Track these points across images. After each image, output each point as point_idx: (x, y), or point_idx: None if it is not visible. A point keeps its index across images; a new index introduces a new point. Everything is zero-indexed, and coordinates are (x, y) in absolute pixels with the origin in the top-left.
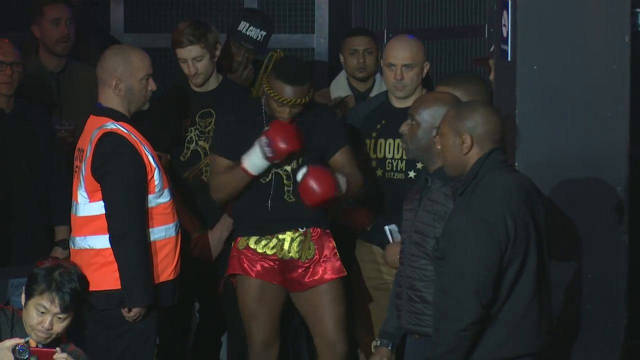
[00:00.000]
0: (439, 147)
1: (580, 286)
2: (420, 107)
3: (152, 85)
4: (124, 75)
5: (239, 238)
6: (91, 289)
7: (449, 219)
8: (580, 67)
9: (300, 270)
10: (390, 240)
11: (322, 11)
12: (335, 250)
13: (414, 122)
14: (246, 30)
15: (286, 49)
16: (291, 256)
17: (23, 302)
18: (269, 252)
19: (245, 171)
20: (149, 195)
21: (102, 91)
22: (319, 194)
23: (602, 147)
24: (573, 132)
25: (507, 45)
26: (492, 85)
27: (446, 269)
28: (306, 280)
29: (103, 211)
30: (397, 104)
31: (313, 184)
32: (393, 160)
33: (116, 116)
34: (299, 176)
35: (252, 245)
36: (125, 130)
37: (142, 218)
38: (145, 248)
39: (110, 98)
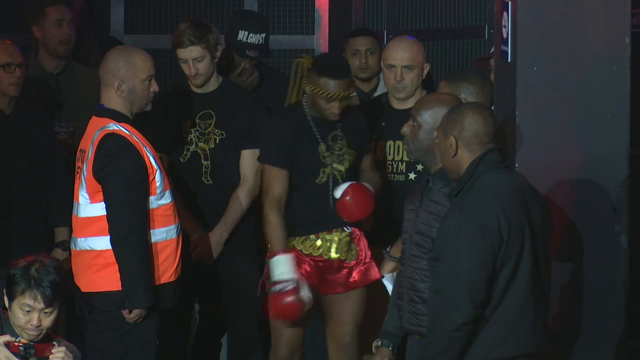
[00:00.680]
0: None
1: (580, 287)
2: (422, 108)
3: (154, 87)
4: (126, 76)
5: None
6: (92, 290)
7: (443, 219)
8: (580, 68)
9: (343, 272)
10: (389, 292)
11: (322, 12)
12: (371, 251)
13: (415, 123)
14: (247, 39)
15: (286, 50)
16: (338, 257)
17: (7, 305)
18: (314, 253)
19: (272, 256)
20: (150, 197)
21: (104, 92)
22: (357, 213)
23: (602, 148)
24: (573, 133)
25: (507, 46)
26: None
27: (440, 270)
28: (350, 281)
29: (104, 212)
30: (397, 105)
31: (352, 202)
32: (393, 162)
33: (118, 117)
34: (338, 193)
35: (298, 246)
36: (126, 132)
37: (143, 219)
38: (147, 249)
39: (112, 99)
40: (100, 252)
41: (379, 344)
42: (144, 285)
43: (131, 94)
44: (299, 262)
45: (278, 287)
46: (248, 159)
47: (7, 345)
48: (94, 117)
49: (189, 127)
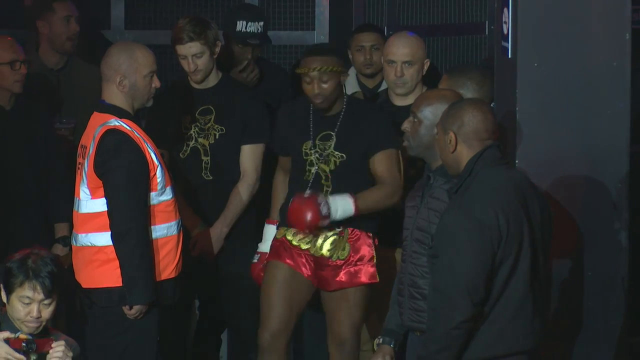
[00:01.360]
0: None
1: (580, 284)
2: (423, 104)
3: (156, 83)
4: (128, 72)
5: (280, 227)
6: (93, 286)
7: (442, 216)
8: (580, 64)
9: (329, 270)
10: None
11: (322, 8)
12: (374, 255)
13: (415, 120)
14: (246, 28)
15: (287, 46)
16: (322, 254)
17: (5, 299)
18: (303, 246)
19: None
20: (151, 193)
21: (106, 88)
22: (295, 222)
23: (603, 145)
24: (573, 130)
25: (508, 43)
26: None
27: (438, 267)
28: (335, 280)
29: (105, 208)
30: (398, 102)
31: (292, 212)
32: None
33: (119, 113)
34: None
35: (288, 237)
36: (128, 127)
37: (144, 215)
38: (147, 246)
39: (114, 95)
40: (101, 248)
41: (381, 341)
42: (144, 281)
43: (133, 90)
44: (289, 250)
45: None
46: (248, 154)
47: (7, 341)
48: (95, 112)
49: (188, 122)
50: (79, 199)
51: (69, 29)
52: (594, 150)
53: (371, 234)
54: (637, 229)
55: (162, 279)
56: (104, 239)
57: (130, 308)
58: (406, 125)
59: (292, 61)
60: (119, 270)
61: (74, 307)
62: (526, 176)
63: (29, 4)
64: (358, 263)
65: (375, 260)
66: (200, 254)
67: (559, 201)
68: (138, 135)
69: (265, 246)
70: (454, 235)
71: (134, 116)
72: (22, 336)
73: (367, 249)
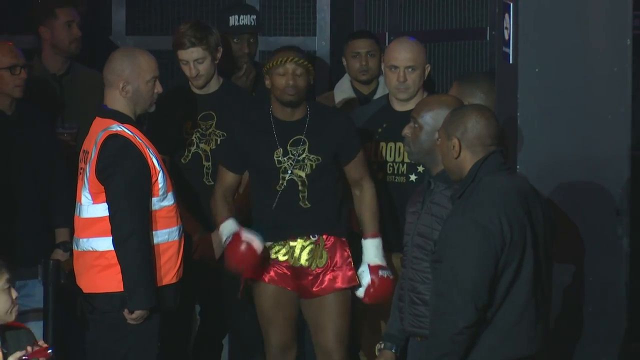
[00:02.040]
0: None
1: (581, 289)
2: (423, 110)
3: (158, 88)
4: (131, 77)
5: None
6: (94, 291)
7: (446, 222)
8: (581, 69)
9: (310, 278)
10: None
11: (323, 14)
12: (350, 259)
13: (416, 125)
14: (238, 22)
15: None
16: (301, 264)
17: None
18: (281, 258)
19: (218, 228)
20: (152, 198)
21: (108, 93)
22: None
23: (604, 150)
24: (574, 135)
25: (509, 48)
26: None
27: (442, 272)
28: (314, 288)
29: (107, 213)
30: (398, 107)
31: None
32: (394, 164)
33: (121, 118)
34: (224, 239)
35: (267, 251)
36: (130, 133)
37: (145, 221)
38: (148, 251)
39: (116, 100)
40: (103, 253)
41: (382, 346)
42: (145, 286)
43: (136, 95)
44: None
45: (225, 242)
46: None
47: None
48: (97, 118)
49: (190, 128)
50: (81, 203)
51: (71, 34)
52: (595, 156)
53: (344, 238)
54: (638, 234)
55: (163, 284)
56: (105, 244)
57: (131, 313)
58: (407, 131)
59: None
60: (120, 276)
61: (74, 312)
62: (529, 182)
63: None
64: (335, 269)
65: (352, 263)
66: (202, 259)
67: (560, 207)
68: (140, 141)
69: (229, 228)
70: (457, 241)
71: (136, 121)
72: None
73: (343, 254)
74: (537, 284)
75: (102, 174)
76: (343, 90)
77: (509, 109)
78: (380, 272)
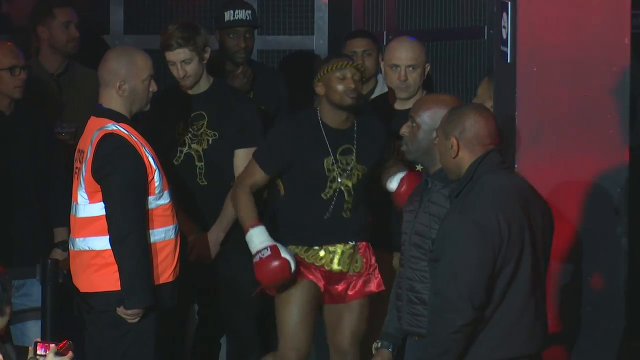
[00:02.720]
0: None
1: (580, 288)
2: (421, 109)
3: (153, 87)
4: (128, 76)
5: (287, 246)
6: (91, 290)
7: (443, 221)
8: (579, 68)
9: (344, 284)
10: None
11: (321, 13)
12: (376, 264)
13: (414, 124)
14: (234, 16)
15: (286, 51)
16: (340, 269)
17: None
18: (317, 263)
19: (246, 231)
20: (149, 197)
21: (104, 92)
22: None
23: (602, 149)
24: (573, 134)
25: (507, 47)
26: None
27: (439, 271)
28: (350, 292)
29: (103, 212)
30: (398, 105)
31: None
32: None
33: (117, 117)
34: (394, 184)
35: (301, 255)
36: (125, 132)
37: (142, 219)
38: (146, 249)
39: (112, 99)
40: (99, 252)
41: (379, 345)
42: (143, 285)
43: (132, 94)
44: (304, 266)
45: (258, 256)
46: (242, 158)
47: None
48: (92, 117)
49: (181, 129)
50: (77, 203)
51: (69, 34)
52: (593, 155)
53: (369, 244)
54: (636, 233)
55: (160, 282)
56: (101, 243)
57: (127, 310)
58: (404, 130)
59: (292, 65)
60: (117, 274)
61: (72, 312)
62: (527, 181)
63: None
64: (368, 273)
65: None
66: (198, 259)
67: (558, 206)
68: (136, 140)
69: (265, 239)
70: (455, 240)
71: (132, 120)
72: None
73: (373, 259)
74: (536, 282)
75: (98, 173)
76: None
77: (507, 108)
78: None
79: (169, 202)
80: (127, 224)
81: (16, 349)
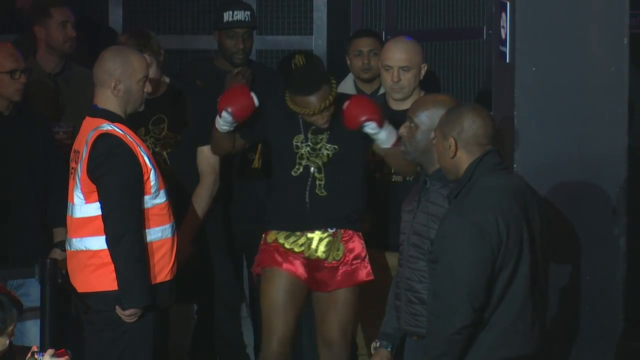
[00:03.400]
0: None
1: (578, 288)
2: (419, 109)
3: (148, 87)
4: (123, 77)
5: (269, 232)
6: (88, 290)
7: (442, 221)
8: (579, 69)
9: (326, 271)
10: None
11: (320, 13)
12: (366, 252)
13: (412, 124)
14: (233, 17)
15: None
16: (318, 256)
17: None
18: (296, 249)
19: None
20: (145, 196)
21: (99, 92)
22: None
23: (601, 149)
24: (571, 134)
25: (506, 47)
26: None
27: (438, 272)
28: (333, 281)
29: (99, 212)
30: (395, 106)
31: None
32: None
33: (112, 117)
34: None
35: (280, 241)
36: (120, 132)
37: (138, 219)
38: (142, 249)
39: (107, 99)
40: (96, 252)
41: (378, 345)
42: (140, 284)
43: (127, 94)
44: (283, 254)
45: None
46: (205, 155)
47: None
48: (87, 117)
49: (143, 134)
50: (73, 203)
51: (66, 34)
52: (592, 155)
53: (361, 234)
54: (635, 234)
55: (158, 282)
56: (98, 243)
57: (124, 310)
58: (403, 130)
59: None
60: (114, 274)
61: (69, 313)
62: (525, 181)
63: (21, 7)
64: (354, 262)
65: (368, 258)
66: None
67: (557, 206)
68: (131, 139)
69: None
70: (454, 241)
71: (127, 120)
72: None
73: (360, 248)
74: (534, 283)
75: (94, 173)
76: (346, 89)
77: (505, 108)
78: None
79: (165, 201)
80: (123, 224)
81: (18, 350)
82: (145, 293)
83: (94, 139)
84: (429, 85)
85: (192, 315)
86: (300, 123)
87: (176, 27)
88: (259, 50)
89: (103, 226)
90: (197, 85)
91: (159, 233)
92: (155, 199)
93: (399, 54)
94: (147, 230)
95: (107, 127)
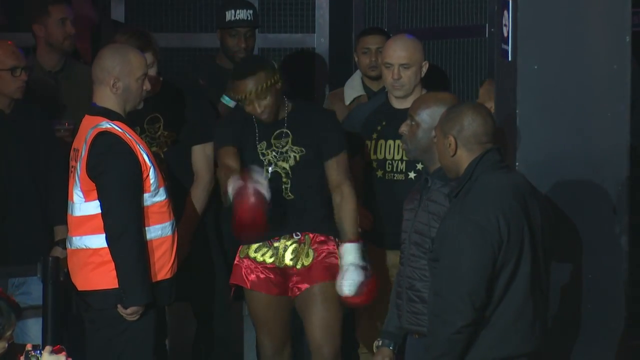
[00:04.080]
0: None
1: (580, 286)
2: (420, 108)
3: (147, 85)
4: (122, 74)
5: (241, 246)
6: (88, 288)
7: (443, 220)
8: (580, 66)
9: (295, 278)
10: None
11: (322, 11)
12: (335, 252)
13: (413, 123)
14: (235, 16)
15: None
16: (286, 264)
17: None
18: (267, 260)
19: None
20: (144, 194)
21: (98, 90)
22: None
23: (603, 147)
24: (573, 132)
25: (508, 45)
26: None
27: (440, 272)
28: (301, 285)
29: (99, 210)
30: (397, 104)
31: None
32: (393, 162)
33: (111, 115)
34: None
35: (251, 254)
36: (119, 130)
37: (138, 217)
38: (143, 247)
39: (106, 97)
40: (96, 250)
41: (380, 343)
42: (141, 282)
43: (126, 92)
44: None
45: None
46: (200, 154)
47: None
48: (86, 115)
49: (138, 133)
50: (73, 202)
51: (65, 31)
52: (594, 153)
53: (333, 237)
54: (637, 231)
55: (158, 279)
56: (98, 241)
57: (126, 308)
58: (404, 129)
59: (292, 64)
60: (114, 272)
61: (70, 311)
62: (526, 179)
63: None
64: (327, 258)
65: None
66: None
67: (559, 204)
68: (130, 137)
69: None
70: (455, 240)
71: (126, 118)
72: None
73: (329, 248)
74: (535, 281)
75: (93, 171)
76: (353, 87)
77: (507, 107)
78: (366, 274)
79: (165, 199)
80: (122, 222)
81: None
82: (147, 291)
83: (93, 137)
84: (431, 83)
85: (192, 314)
86: (257, 132)
87: (177, 25)
88: (261, 49)
89: (103, 224)
90: (201, 84)
91: (159, 231)
92: (154, 197)
93: (399, 52)
94: (147, 228)
95: (106, 125)
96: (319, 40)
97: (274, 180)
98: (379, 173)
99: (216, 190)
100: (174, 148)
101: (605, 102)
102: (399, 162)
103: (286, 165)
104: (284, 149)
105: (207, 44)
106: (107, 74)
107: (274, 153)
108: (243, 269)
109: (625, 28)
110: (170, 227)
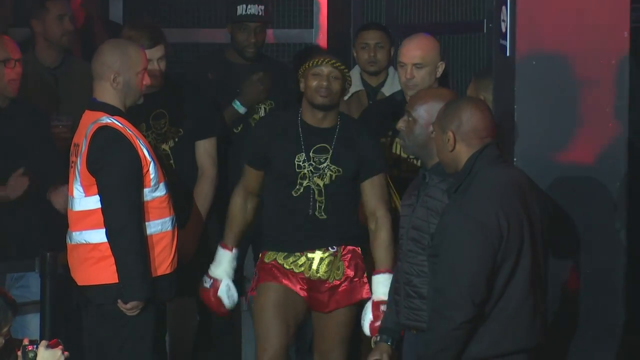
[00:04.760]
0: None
1: (579, 281)
2: (417, 103)
3: (147, 80)
4: (122, 69)
5: (266, 252)
6: (88, 283)
7: (442, 216)
8: (579, 62)
9: (326, 291)
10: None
11: (320, 6)
12: (365, 271)
13: (410, 119)
14: (246, 11)
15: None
16: (319, 277)
17: None
18: (296, 270)
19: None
20: (144, 189)
21: (98, 85)
22: None
23: (601, 143)
24: (572, 128)
25: (506, 41)
26: None
27: (439, 268)
28: (331, 301)
29: (99, 205)
30: None
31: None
32: (409, 160)
33: (111, 110)
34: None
35: (279, 261)
36: (120, 124)
37: (138, 212)
38: (143, 241)
39: (106, 92)
40: (96, 245)
41: (378, 339)
42: (141, 277)
43: (126, 87)
44: (282, 272)
45: (203, 280)
46: (204, 148)
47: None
48: (87, 110)
49: (144, 130)
50: (73, 197)
51: (63, 27)
52: (592, 149)
53: (359, 249)
54: (635, 227)
55: (158, 274)
56: (98, 236)
57: (126, 303)
58: (401, 124)
59: (291, 59)
60: (114, 267)
61: (70, 306)
62: (525, 173)
63: None
64: (354, 280)
65: (366, 276)
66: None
67: (556, 199)
68: (130, 132)
69: (218, 271)
70: (454, 236)
71: (126, 113)
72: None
73: (356, 266)
74: (535, 276)
75: (93, 166)
76: (352, 82)
77: (506, 102)
78: (382, 308)
79: (165, 194)
80: (123, 217)
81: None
82: (146, 286)
83: (93, 132)
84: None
85: (193, 310)
86: (302, 141)
87: (176, 20)
88: None
89: (103, 219)
90: (210, 78)
91: (159, 226)
92: (154, 192)
93: (413, 51)
94: (147, 223)
95: (106, 120)
96: (317, 35)
97: (306, 195)
98: (395, 172)
99: (221, 185)
100: (180, 144)
101: (604, 98)
102: (415, 160)
103: (320, 183)
104: (322, 165)
105: (205, 39)
106: (107, 69)
107: (311, 167)
108: (274, 270)
109: (624, 23)
110: (170, 222)
